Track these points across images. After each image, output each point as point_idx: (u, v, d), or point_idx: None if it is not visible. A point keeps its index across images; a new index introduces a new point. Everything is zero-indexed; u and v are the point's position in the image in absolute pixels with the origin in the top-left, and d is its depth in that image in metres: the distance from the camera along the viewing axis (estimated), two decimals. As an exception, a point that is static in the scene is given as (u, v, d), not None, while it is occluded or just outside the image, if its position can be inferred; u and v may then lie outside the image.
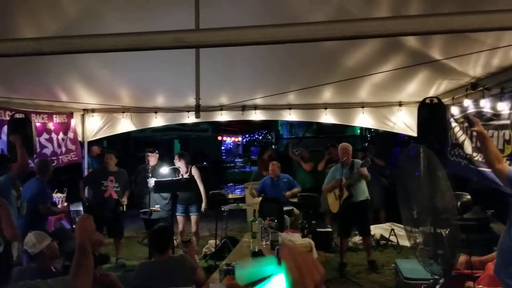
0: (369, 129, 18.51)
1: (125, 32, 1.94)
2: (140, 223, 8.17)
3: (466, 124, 5.65)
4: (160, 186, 6.65)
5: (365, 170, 6.83)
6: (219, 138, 25.74)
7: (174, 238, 7.06)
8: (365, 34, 1.89)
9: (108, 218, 7.16)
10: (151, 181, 6.91)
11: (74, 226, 2.65)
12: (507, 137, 4.48)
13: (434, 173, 2.82)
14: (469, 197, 3.21)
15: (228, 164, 25.59)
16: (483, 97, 4.89)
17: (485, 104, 4.92)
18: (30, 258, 3.33)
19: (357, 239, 7.73)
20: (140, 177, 7.48)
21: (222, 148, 28.07)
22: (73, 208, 2.62)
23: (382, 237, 8.29)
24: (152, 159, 7.37)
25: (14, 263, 5.04)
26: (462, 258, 3.64)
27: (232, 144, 29.89)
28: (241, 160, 27.85)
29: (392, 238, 8.15)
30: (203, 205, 7.36)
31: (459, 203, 2.98)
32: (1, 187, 5.43)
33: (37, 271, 3.25)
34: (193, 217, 7.48)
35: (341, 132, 18.85)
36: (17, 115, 5.67)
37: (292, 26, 1.88)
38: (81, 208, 2.64)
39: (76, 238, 2.49)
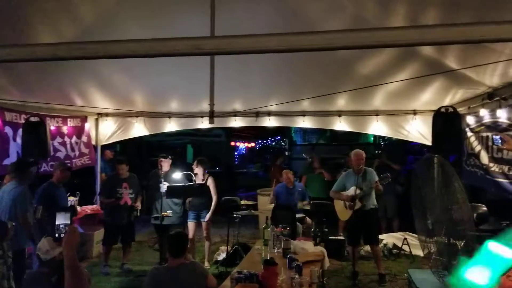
0: (382, 137, 18.42)
1: (143, 38, 1.94)
2: (151, 228, 8.17)
3: (483, 134, 5.59)
4: (172, 191, 6.66)
5: (380, 186, 6.67)
6: (232, 143, 25.77)
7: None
8: (383, 44, 1.87)
9: (123, 225, 7.19)
10: (164, 187, 6.92)
11: (61, 237, 2.65)
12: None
13: (450, 184, 2.78)
14: (485, 208, 3.17)
15: (241, 170, 25.56)
16: (499, 107, 4.83)
17: (502, 114, 4.85)
18: (41, 263, 3.33)
19: (369, 248, 7.65)
20: (152, 182, 7.50)
21: (235, 153, 28.10)
22: (60, 220, 2.63)
23: (394, 246, 8.20)
24: (165, 164, 7.36)
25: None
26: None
27: (245, 149, 29.91)
28: (253, 165, 27.80)
29: (405, 247, 8.05)
30: (209, 215, 7.35)
31: (475, 214, 2.94)
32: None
33: (48, 276, 3.25)
34: (204, 224, 7.45)
35: (354, 139, 18.75)
36: (32, 118, 5.72)
37: (309, 35, 1.87)
38: (68, 221, 2.66)
39: (64, 253, 2.49)
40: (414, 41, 1.84)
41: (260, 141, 29.12)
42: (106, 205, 7.34)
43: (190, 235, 7.48)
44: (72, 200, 7.61)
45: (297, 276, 4.14)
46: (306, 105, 7.60)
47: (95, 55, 2.09)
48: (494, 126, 5.20)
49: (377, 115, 7.76)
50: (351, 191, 6.69)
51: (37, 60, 2.11)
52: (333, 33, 1.85)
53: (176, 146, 23.83)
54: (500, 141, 3.15)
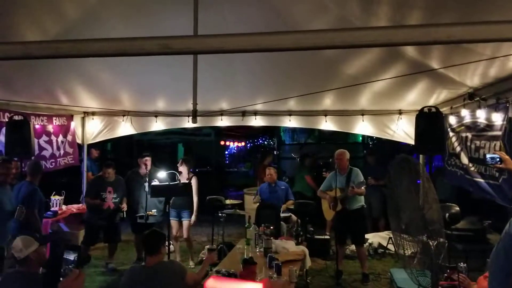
0: (371, 136, 18.47)
1: (111, 38, 1.95)
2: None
3: (463, 134, 5.63)
4: (157, 191, 6.64)
5: (360, 189, 6.66)
6: (222, 142, 25.72)
7: (171, 243, 7.07)
8: (366, 43, 1.88)
9: (104, 226, 7.19)
10: (147, 186, 6.92)
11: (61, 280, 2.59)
12: (497, 148, 4.47)
13: (422, 184, 2.80)
14: (457, 208, 3.20)
15: (231, 169, 25.54)
16: (479, 107, 4.87)
17: (481, 115, 4.90)
18: (17, 262, 3.32)
19: (354, 247, 7.69)
20: (133, 182, 7.49)
21: (226, 152, 28.06)
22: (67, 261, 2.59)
23: (380, 245, 8.25)
24: (149, 163, 7.38)
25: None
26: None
27: (235, 149, 29.88)
28: (244, 165, 27.78)
29: (390, 246, 8.10)
30: (193, 217, 7.36)
31: (447, 214, 2.96)
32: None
33: (24, 275, 3.24)
34: (185, 223, 7.42)
35: (343, 139, 18.79)
36: (15, 117, 5.69)
37: (292, 34, 1.87)
38: (73, 264, 2.61)
39: None
40: (395, 41, 1.83)
41: (250, 141, 29.09)
42: (90, 206, 7.28)
43: (173, 232, 7.47)
44: (57, 198, 7.57)
45: (275, 275, 4.16)
46: (292, 104, 7.62)
47: (65, 53, 2.08)
48: (473, 126, 5.25)
49: (363, 114, 7.79)
50: (334, 192, 6.74)
51: (7, 59, 2.10)
52: (316, 33, 1.85)
53: (167, 145, 23.76)
54: (498, 160, 3.18)
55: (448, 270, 2.95)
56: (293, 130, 24.18)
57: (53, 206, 7.46)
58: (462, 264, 3.12)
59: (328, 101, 7.33)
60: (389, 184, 3.24)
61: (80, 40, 2.02)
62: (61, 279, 2.46)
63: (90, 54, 2.06)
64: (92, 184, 7.49)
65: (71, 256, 2.97)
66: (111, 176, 7.22)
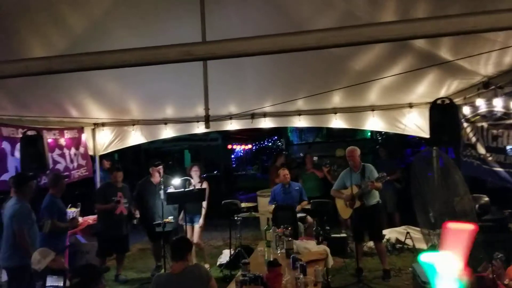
0: (379, 132, 18.43)
1: (134, 48, 1.95)
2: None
3: (478, 124, 5.59)
4: (172, 197, 6.65)
5: (378, 184, 6.65)
6: (229, 146, 25.76)
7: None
8: (374, 39, 1.88)
9: (118, 236, 7.14)
10: (163, 193, 6.92)
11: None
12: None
13: (450, 176, 2.77)
14: (487, 199, 3.17)
15: (239, 172, 25.55)
16: (495, 95, 4.82)
17: (497, 103, 4.85)
18: (37, 275, 3.33)
19: (372, 244, 7.65)
20: (146, 190, 7.50)
21: (233, 156, 28.09)
22: (51, 282, 2.59)
23: (397, 240, 8.20)
24: (162, 171, 7.40)
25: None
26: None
27: (242, 152, 29.90)
28: (251, 167, 27.80)
29: (408, 241, 8.05)
30: (201, 220, 7.37)
31: (477, 205, 2.93)
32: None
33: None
34: (197, 228, 7.47)
35: (351, 136, 18.76)
36: (29, 132, 5.72)
37: (299, 34, 1.87)
38: (61, 283, 2.61)
39: None
40: (405, 35, 1.84)
41: (257, 143, 29.11)
42: (102, 213, 7.16)
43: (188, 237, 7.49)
44: (73, 211, 7.57)
45: (301, 276, 4.14)
46: (301, 104, 7.60)
47: (88, 66, 2.09)
48: (489, 116, 5.20)
49: (373, 110, 7.74)
50: (350, 189, 6.70)
51: (31, 75, 2.10)
52: (323, 32, 1.85)
53: (174, 152, 23.82)
54: None
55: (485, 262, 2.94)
56: (301, 130, 24.18)
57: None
58: (499, 255, 3.11)
59: (337, 99, 7.30)
60: (414, 180, 3.21)
61: (102, 52, 2.03)
62: None
63: (113, 65, 2.07)
64: (102, 190, 7.45)
65: (58, 282, 2.97)
66: (120, 182, 7.23)
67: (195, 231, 7.46)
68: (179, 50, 1.95)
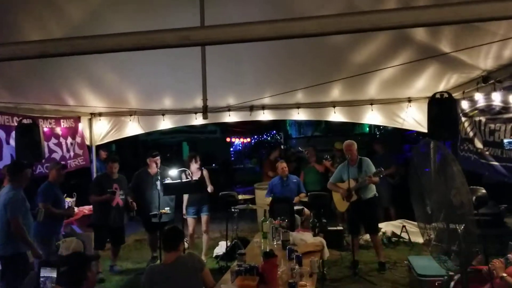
0: (378, 127, 18.44)
1: (130, 32, 1.91)
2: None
3: (476, 118, 5.58)
4: (169, 188, 6.62)
5: (376, 179, 6.70)
6: (228, 139, 25.73)
7: (185, 240, 7.06)
8: (376, 27, 1.84)
9: (114, 228, 7.07)
10: (160, 184, 6.91)
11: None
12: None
13: (449, 168, 2.76)
14: (484, 191, 3.15)
15: (237, 166, 25.52)
16: (494, 90, 4.81)
17: (496, 97, 4.84)
18: (41, 264, 3.32)
19: (368, 237, 7.66)
20: (143, 181, 7.48)
21: (231, 149, 28.06)
22: (44, 273, 2.56)
23: (393, 234, 8.22)
24: (159, 162, 7.38)
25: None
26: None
27: (241, 145, 29.88)
28: (250, 161, 27.78)
29: (404, 235, 8.08)
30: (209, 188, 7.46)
31: (474, 197, 2.92)
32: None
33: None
34: (204, 217, 7.52)
35: (349, 130, 18.78)
36: (24, 121, 5.67)
37: (299, 21, 1.84)
38: (54, 275, 2.59)
39: None
40: (408, 23, 1.81)
41: (255, 136, 29.07)
42: (98, 204, 7.05)
43: (190, 230, 7.52)
44: (69, 201, 7.55)
45: (297, 267, 4.13)
46: (300, 97, 7.58)
47: (83, 50, 2.05)
48: (488, 110, 5.19)
49: (371, 104, 7.73)
50: (347, 183, 6.70)
51: (25, 58, 2.05)
52: (324, 18, 1.82)
53: (172, 144, 23.80)
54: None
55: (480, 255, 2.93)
56: (300, 124, 24.19)
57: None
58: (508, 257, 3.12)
59: (336, 92, 7.28)
60: (413, 174, 3.19)
61: (98, 36, 1.99)
62: None
63: (109, 49, 2.02)
64: (97, 181, 7.33)
65: (52, 273, 2.96)
66: (116, 172, 7.17)
67: (203, 221, 7.55)
68: (177, 35, 1.91)
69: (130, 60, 5.32)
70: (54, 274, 3.06)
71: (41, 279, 3.09)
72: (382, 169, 6.71)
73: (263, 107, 8.14)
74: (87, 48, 2.04)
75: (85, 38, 1.98)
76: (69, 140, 7.87)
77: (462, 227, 2.77)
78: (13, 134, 5.94)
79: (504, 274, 3.41)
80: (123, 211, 7.19)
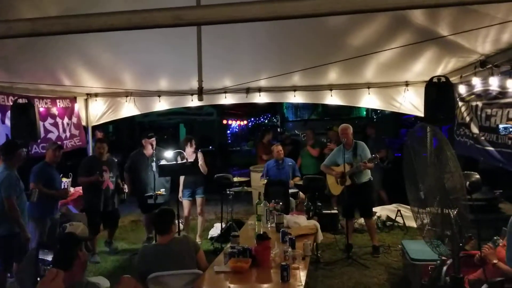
0: (375, 111, 18.40)
1: (122, 11, 1.87)
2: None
3: (473, 103, 5.57)
4: (165, 170, 6.62)
5: (371, 164, 6.69)
6: (224, 122, 25.66)
7: (180, 221, 7.09)
8: (371, 8, 1.81)
9: (108, 212, 7.04)
10: (155, 165, 6.89)
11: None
12: (511, 115, 4.40)
13: (443, 153, 2.75)
14: (478, 176, 3.15)
15: (234, 148, 25.51)
16: (491, 74, 4.78)
17: (493, 82, 4.82)
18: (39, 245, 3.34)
19: (362, 220, 7.70)
20: (138, 162, 7.46)
21: (228, 132, 28.02)
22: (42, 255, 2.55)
23: (388, 218, 8.26)
24: (154, 143, 7.35)
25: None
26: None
27: (237, 127, 29.83)
28: (246, 143, 27.77)
29: (399, 219, 8.12)
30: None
31: (467, 182, 2.92)
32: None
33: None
34: (199, 199, 7.54)
35: (346, 114, 18.74)
36: (20, 100, 5.63)
37: (294, 1, 1.81)
38: (49, 257, 2.57)
39: None
40: (403, 5, 1.78)
41: (252, 119, 29.01)
42: (87, 186, 6.98)
43: (186, 212, 7.54)
44: (65, 181, 7.54)
45: (290, 250, 4.15)
46: (296, 80, 7.54)
47: (74, 29, 2.00)
48: (484, 95, 5.17)
49: (369, 87, 7.68)
50: (342, 167, 6.69)
51: (14, 37, 2.02)
52: (319, -1, 1.79)
53: (169, 126, 23.72)
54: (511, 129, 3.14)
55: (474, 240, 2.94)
56: (296, 107, 24.14)
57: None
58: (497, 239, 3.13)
59: (333, 75, 7.24)
60: (407, 155, 3.19)
61: (90, 15, 1.95)
62: (38, 279, 2.41)
63: (100, 29, 1.97)
64: (86, 164, 7.13)
65: (48, 256, 2.94)
66: (105, 154, 7.10)
67: (198, 203, 7.57)
68: (170, 14, 1.87)
69: (125, 39, 5.26)
70: (50, 257, 3.03)
71: (40, 263, 3.06)
72: (377, 155, 6.72)
73: (259, 90, 8.09)
74: (77, 27, 1.99)
75: (76, 17, 1.95)
76: (66, 120, 7.83)
77: (455, 212, 2.77)
78: (8, 113, 5.89)
79: (496, 261, 3.43)
80: (114, 194, 7.16)
